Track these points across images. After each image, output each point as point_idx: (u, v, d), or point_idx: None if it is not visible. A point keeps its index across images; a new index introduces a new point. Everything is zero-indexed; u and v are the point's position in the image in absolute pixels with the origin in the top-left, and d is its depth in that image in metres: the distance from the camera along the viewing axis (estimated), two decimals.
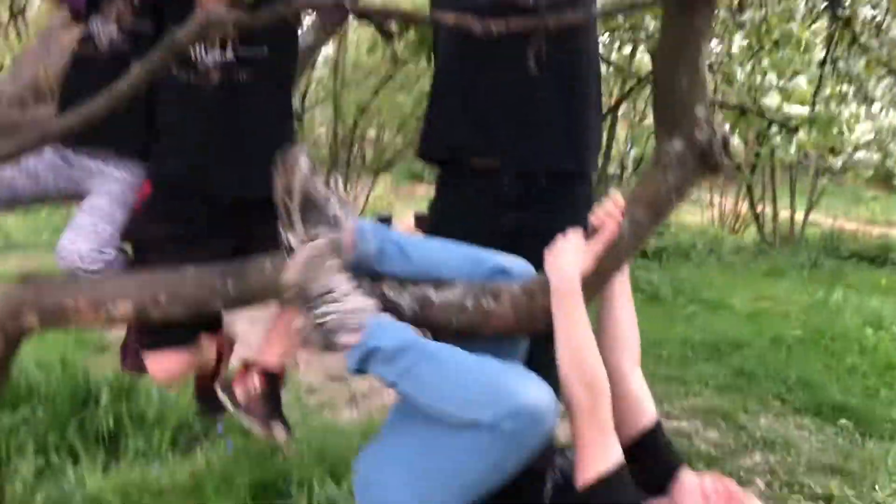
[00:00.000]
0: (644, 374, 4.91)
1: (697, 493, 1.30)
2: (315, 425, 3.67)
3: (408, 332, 1.37)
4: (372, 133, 10.55)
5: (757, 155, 9.79)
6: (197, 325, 1.85)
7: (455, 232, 1.97)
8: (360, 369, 1.37)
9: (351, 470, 3.12)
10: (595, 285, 1.36)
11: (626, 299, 1.51)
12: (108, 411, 3.22)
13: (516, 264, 1.48)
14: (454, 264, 1.46)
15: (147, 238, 1.85)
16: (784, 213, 11.33)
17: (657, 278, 7.97)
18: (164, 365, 1.87)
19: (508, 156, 1.83)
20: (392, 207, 12.55)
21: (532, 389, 1.23)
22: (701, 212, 13.42)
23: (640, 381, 1.52)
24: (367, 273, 1.46)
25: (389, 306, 1.42)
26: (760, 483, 3.47)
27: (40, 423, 3.11)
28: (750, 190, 11.16)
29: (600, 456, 1.26)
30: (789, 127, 3.90)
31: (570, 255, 1.34)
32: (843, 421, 4.26)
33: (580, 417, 1.28)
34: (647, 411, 1.49)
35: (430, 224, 1.95)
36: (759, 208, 11.31)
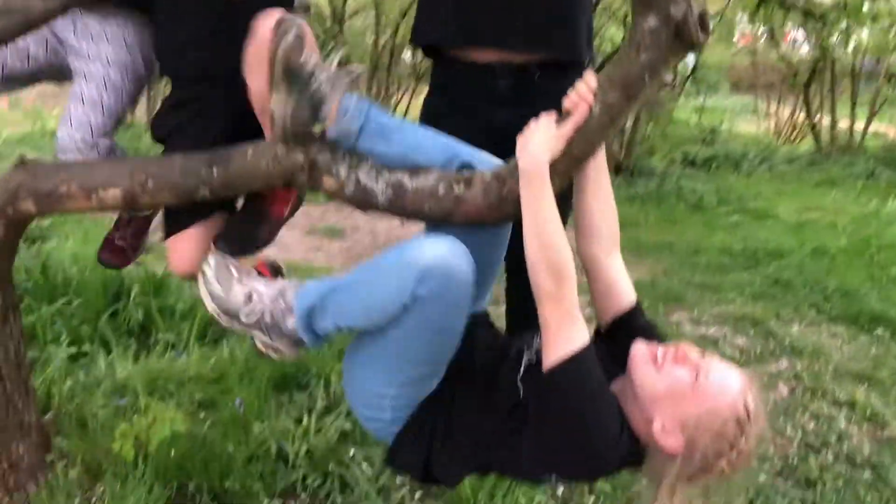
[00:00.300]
0: (678, 282, 4.90)
1: (647, 356, 1.31)
2: None
3: (318, 282, 1.49)
4: None
5: (817, 60, 9.39)
6: (211, 206, 1.81)
7: (448, 129, 1.95)
8: (316, 336, 1.49)
9: None
10: (566, 169, 1.33)
11: (598, 187, 1.47)
12: (138, 305, 3.33)
13: (488, 163, 1.49)
14: (431, 154, 1.46)
15: (174, 132, 1.84)
16: (844, 124, 10.93)
17: (701, 186, 7.83)
18: (181, 248, 1.89)
19: (500, 45, 1.77)
20: None
21: (427, 249, 1.26)
22: (757, 122, 13.02)
23: (618, 267, 1.50)
24: (346, 150, 1.47)
25: (365, 192, 1.41)
26: (784, 388, 3.46)
27: (74, 315, 3.24)
28: (807, 98, 10.73)
29: (564, 340, 1.26)
30: (815, 15, 3.69)
31: (539, 139, 1.31)
32: (879, 331, 4.19)
33: (546, 301, 1.28)
34: (625, 295, 1.48)
35: (424, 120, 1.91)
36: (817, 118, 10.91)
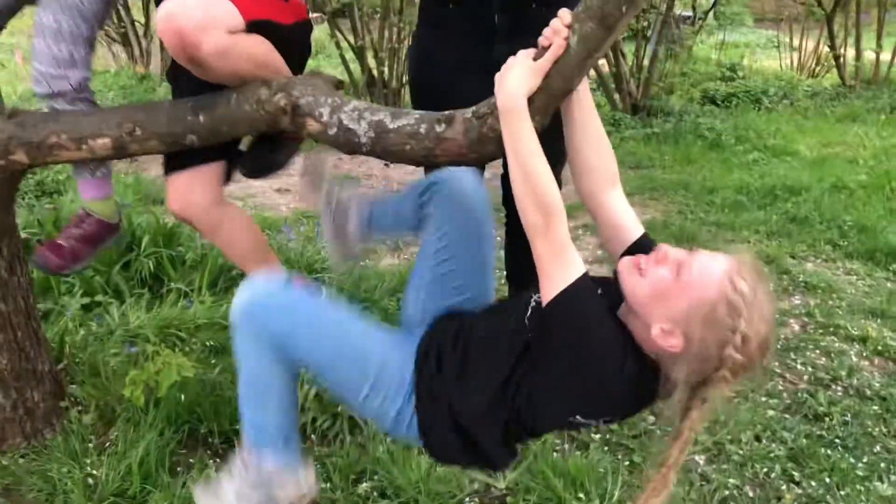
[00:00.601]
0: (693, 221, 4.85)
1: (630, 266, 1.31)
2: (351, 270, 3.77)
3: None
4: None
5: None
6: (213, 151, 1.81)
7: (443, 66, 1.92)
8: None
9: (378, 308, 3.23)
10: (546, 105, 1.31)
11: (585, 125, 1.44)
12: (149, 255, 3.37)
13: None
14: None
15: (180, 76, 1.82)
16: (869, 57, 10.65)
17: (720, 124, 7.70)
18: (180, 187, 1.87)
19: None
20: None
21: (240, 294, 1.43)
22: (779, 56, 12.71)
23: (618, 203, 1.47)
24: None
25: (348, 133, 1.41)
26: (795, 324, 3.44)
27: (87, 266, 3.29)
28: (831, 29, 10.45)
29: (559, 274, 1.26)
30: None
31: (515, 75, 1.29)
32: (895, 266, 4.15)
33: (536, 238, 1.27)
34: (630, 230, 1.46)
35: (416, 62, 1.88)
36: (841, 51, 10.62)
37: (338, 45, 8.27)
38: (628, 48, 8.88)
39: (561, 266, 1.27)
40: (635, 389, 1.31)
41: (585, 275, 1.28)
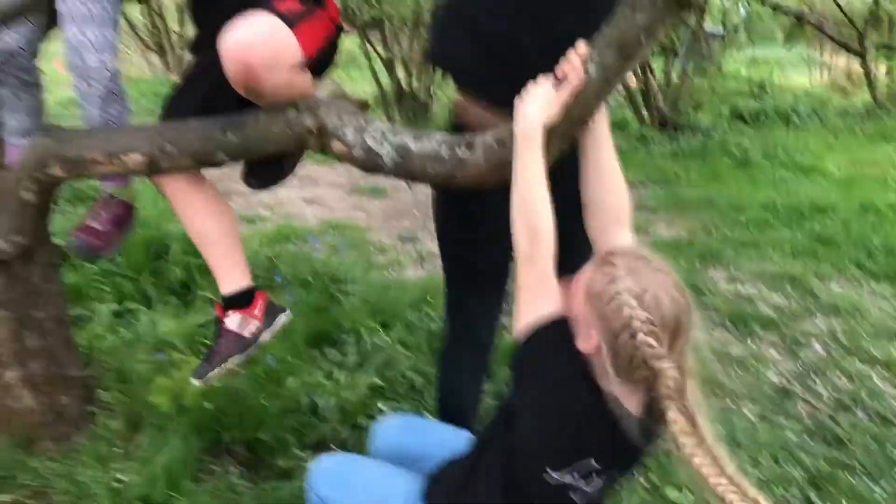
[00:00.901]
0: (717, 239, 4.84)
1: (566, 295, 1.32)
2: (375, 281, 3.82)
3: None
4: None
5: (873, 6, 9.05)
6: None
7: None
8: None
9: (401, 320, 3.26)
10: (565, 131, 1.34)
11: (594, 158, 1.45)
12: (178, 263, 3.44)
13: None
14: None
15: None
16: None
17: (748, 141, 7.66)
18: None
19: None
20: None
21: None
22: (809, 72, 12.62)
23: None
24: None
25: (372, 155, 1.45)
26: (817, 345, 3.43)
27: (118, 272, 3.36)
28: (863, 47, 10.36)
29: (532, 305, 1.28)
30: None
31: (536, 102, 1.32)
32: None
33: (521, 264, 1.30)
34: None
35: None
36: (873, 67, 10.53)
37: (368, 57, 8.36)
38: (657, 64, 8.88)
39: (535, 297, 1.29)
40: (598, 423, 1.27)
41: (560, 318, 1.28)
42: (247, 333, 1.93)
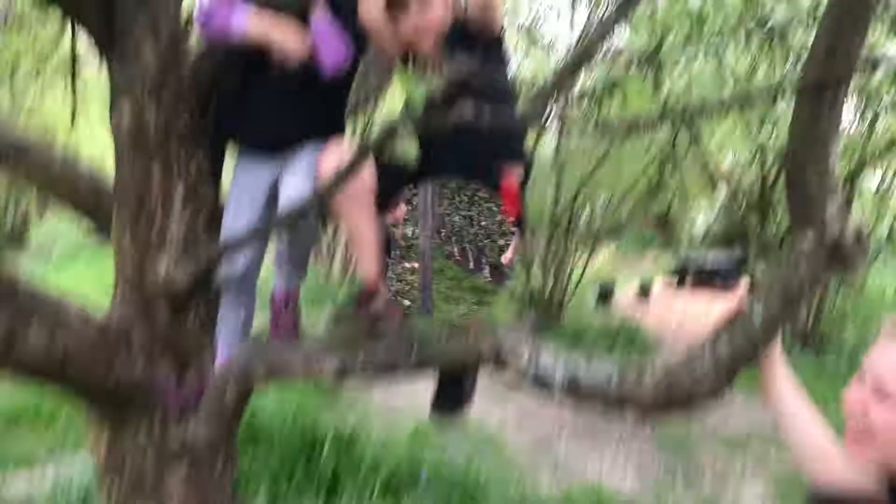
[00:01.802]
0: None
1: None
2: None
3: None
4: (593, 202, 10.71)
5: None
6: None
7: None
8: None
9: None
10: (730, 365, 1.45)
11: (785, 412, 1.48)
12: (329, 459, 3.61)
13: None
14: None
15: None
16: None
17: None
18: None
19: None
20: (615, 276, 12.54)
21: None
22: None
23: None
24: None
25: (544, 379, 1.60)
26: None
27: (273, 463, 3.55)
28: None
29: None
30: None
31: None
32: None
33: None
34: None
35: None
36: None
37: None
38: None
39: None
40: None
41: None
42: None
